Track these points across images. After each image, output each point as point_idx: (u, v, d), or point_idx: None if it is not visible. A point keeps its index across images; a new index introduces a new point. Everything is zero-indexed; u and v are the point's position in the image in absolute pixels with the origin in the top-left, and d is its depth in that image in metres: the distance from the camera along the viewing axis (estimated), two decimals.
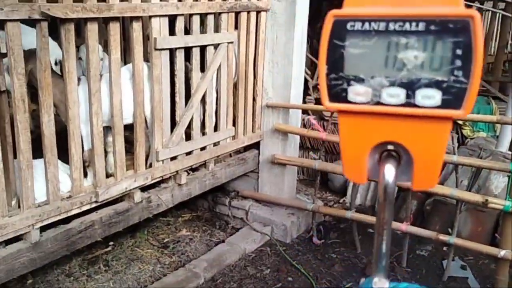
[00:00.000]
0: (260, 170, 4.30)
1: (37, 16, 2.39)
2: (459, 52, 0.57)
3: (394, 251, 3.70)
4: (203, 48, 3.45)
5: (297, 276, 3.57)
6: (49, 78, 2.54)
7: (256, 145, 4.25)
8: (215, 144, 3.77)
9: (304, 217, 4.14)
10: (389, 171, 0.63)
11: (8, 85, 2.44)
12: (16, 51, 2.36)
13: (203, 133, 3.64)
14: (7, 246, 2.56)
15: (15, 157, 2.57)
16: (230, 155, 4.09)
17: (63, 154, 2.77)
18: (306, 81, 5.10)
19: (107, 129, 3.08)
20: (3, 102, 2.44)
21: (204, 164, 3.77)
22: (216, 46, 3.54)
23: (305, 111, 4.86)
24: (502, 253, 3.16)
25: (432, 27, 0.58)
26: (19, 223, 2.52)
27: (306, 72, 5.22)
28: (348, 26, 0.61)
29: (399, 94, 0.60)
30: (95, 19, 2.69)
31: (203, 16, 3.42)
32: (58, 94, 2.74)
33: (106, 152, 3.09)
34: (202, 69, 3.50)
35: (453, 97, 0.59)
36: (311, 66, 5.91)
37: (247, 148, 4.23)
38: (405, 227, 3.55)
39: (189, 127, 3.50)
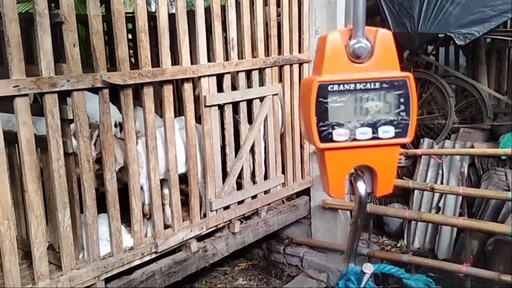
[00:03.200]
0: (312, 216, 4.34)
1: (99, 85, 2.67)
2: (402, 100, 0.89)
3: None
4: (249, 102, 3.64)
5: None
6: (111, 139, 2.79)
7: (306, 191, 4.32)
8: (265, 192, 3.88)
9: (359, 263, 4.08)
10: (361, 187, 0.94)
11: (75, 148, 2.71)
12: (82, 117, 2.64)
13: (254, 182, 3.77)
14: None
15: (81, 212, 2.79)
16: (283, 202, 4.17)
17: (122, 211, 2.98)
18: None
19: (163, 182, 3.28)
20: (70, 163, 2.70)
21: (256, 212, 3.88)
22: (261, 98, 3.73)
23: None
24: None
25: (384, 85, 0.89)
26: (85, 275, 2.71)
27: None
28: (329, 88, 0.88)
29: (368, 132, 0.90)
30: (150, 83, 2.95)
31: (248, 72, 3.64)
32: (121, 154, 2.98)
33: (163, 205, 3.27)
34: (250, 121, 3.68)
35: (401, 130, 0.90)
36: None
37: (298, 195, 4.30)
38: (465, 268, 3.44)
39: (240, 177, 3.65)
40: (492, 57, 5.70)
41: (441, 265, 3.67)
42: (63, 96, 2.59)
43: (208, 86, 3.30)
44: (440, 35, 5.19)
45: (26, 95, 2.40)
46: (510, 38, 5.37)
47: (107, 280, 2.87)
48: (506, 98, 5.43)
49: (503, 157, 4.42)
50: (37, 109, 2.57)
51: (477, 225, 3.52)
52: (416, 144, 5.01)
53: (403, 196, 4.75)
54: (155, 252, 3.07)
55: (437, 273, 3.88)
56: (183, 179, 3.40)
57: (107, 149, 2.77)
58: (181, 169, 3.30)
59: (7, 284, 2.39)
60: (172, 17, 3.07)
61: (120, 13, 2.73)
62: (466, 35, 4.63)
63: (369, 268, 1.12)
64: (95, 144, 2.77)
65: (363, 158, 0.92)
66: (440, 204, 4.51)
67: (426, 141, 4.98)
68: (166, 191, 3.31)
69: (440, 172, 4.67)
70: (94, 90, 2.74)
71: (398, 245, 4.70)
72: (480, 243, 4.11)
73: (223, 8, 3.39)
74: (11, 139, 2.59)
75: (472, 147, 4.74)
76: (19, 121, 2.40)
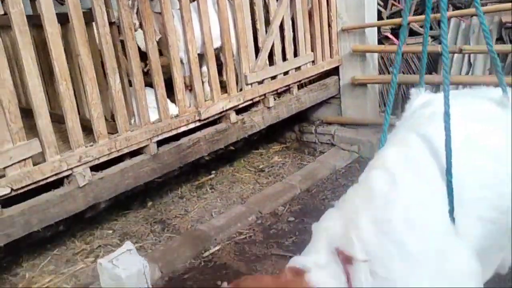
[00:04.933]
0: (341, 95, 4.48)
1: None
2: None
3: None
4: None
5: None
6: (149, 9, 2.91)
7: (335, 71, 4.42)
8: (296, 69, 4.01)
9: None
10: None
11: (117, 17, 2.84)
12: None
13: (284, 59, 3.89)
14: (132, 158, 3.01)
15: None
16: (313, 81, 4.31)
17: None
18: (379, 12, 5.16)
19: (201, 59, 3.42)
20: (114, 32, 2.85)
21: (288, 89, 4.03)
22: None
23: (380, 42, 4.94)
24: None
25: None
26: (139, 136, 2.95)
27: (378, 4, 5.27)
28: None
29: None
30: None
31: None
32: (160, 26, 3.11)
33: (202, 83, 3.43)
34: None
35: None
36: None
37: (328, 75, 4.42)
38: None
39: (271, 53, 3.77)
40: None
41: None
42: None
43: None
44: None
45: None
46: None
47: (158, 144, 3.11)
48: None
49: None
50: None
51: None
52: None
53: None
54: (199, 120, 3.28)
55: None
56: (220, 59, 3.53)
57: (146, 18, 2.90)
58: (216, 43, 3.42)
59: (71, 139, 2.64)
60: None
61: None
62: None
63: None
64: (137, 13, 2.89)
65: None
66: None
67: None
68: (204, 68, 3.46)
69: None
70: None
71: None
72: None
73: None
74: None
75: (500, 20, 4.71)
76: None
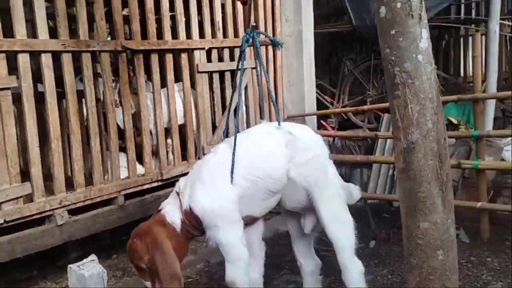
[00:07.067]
0: None
1: (119, 49, 3.66)
2: None
3: None
4: (232, 72, 4.62)
5: None
6: (128, 90, 3.76)
7: None
8: None
9: None
10: None
11: (102, 94, 3.67)
12: (107, 72, 3.61)
13: None
14: (104, 207, 3.67)
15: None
16: None
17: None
18: (327, 107, 6.18)
19: (167, 133, 4.23)
20: (98, 106, 3.66)
21: None
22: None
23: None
24: None
25: None
26: (110, 189, 3.65)
27: (326, 100, 6.33)
28: None
29: None
30: (156, 51, 3.94)
31: (231, 48, 4.64)
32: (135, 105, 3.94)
33: (166, 152, 4.21)
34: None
35: None
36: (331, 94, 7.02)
37: None
38: None
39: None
40: (439, 44, 6.78)
41: None
42: (94, 56, 3.57)
43: (200, 56, 4.30)
44: None
45: (70, 51, 3.37)
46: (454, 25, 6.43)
47: (126, 197, 3.80)
48: (452, 78, 6.48)
49: None
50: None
51: None
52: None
53: None
54: (161, 180, 4.01)
55: None
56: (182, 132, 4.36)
57: (125, 97, 3.74)
58: (180, 121, 4.26)
59: (55, 186, 3.32)
60: (171, 2, 4.08)
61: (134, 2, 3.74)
62: None
63: None
64: (118, 92, 3.74)
65: None
66: None
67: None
68: (169, 141, 4.26)
69: None
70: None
71: None
72: None
73: None
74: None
75: None
76: (65, 71, 3.36)
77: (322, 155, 2.72)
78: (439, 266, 1.76)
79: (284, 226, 3.49)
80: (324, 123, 5.43)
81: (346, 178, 5.51)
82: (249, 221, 2.65)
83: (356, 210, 3.21)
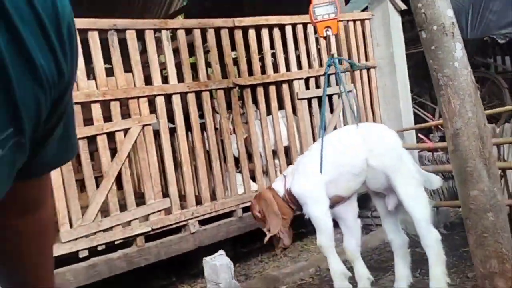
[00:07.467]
0: None
1: (231, 85, 4.40)
2: None
3: None
4: (330, 97, 5.14)
5: None
6: (239, 119, 4.47)
7: None
8: None
9: None
10: None
11: (219, 124, 4.42)
12: (222, 105, 4.36)
13: None
14: (226, 219, 4.35)
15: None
16: None
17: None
18: (427, 121, 6.39)
19: (274, 154, 4.85)
20: (217, 134, 4.41)
21: None
22: (339, 95, 5.22)
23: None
24: None
25: None
26: (231, 203, 4.33)
27: (427, 116, 6.54)
28: None
29: None
30: (261, 84, 4.63)
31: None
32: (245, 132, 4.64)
33: (275, 171, 4.82)
34: (331, 111, 5.18)
35: None
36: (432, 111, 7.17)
37: None
38: None
39: None
40: None
41: None
42: (211, 93, 4.35)
43: (299, 85, 4.90)
44: (485, 38, 6.33)
45: (193, 91, 4.18)
46: None
47: (243, 211, 4.44)
48: None
49: None
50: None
51: None
52: None
53: None
54: None
55: None
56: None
57: (237, 125, 4.45)
58: (285, 143, 4.86)
59: (187, 201, 4.07)
60: (271, 41, 4.78)
61: (241, 47, 4.49)
62: (505, 35, 5.76)
63: None
64: (231, 122, 4.47)
65: None
66: None
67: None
68: (277, 161, 4.87)
69: None
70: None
71: None
72: None
73: (305, 32, 5.04)
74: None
75: None
76: (191, 110, 4.16)
77: (396, 145, 3.32)
78: (491, 226, 2.11)
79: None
80: (422, 136, 5.66)
81: (454, 191, 5.65)
82: (338, 200, 3.34)
83: None
